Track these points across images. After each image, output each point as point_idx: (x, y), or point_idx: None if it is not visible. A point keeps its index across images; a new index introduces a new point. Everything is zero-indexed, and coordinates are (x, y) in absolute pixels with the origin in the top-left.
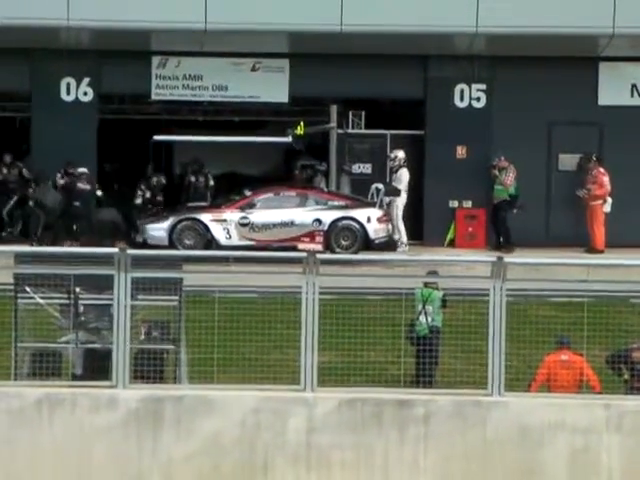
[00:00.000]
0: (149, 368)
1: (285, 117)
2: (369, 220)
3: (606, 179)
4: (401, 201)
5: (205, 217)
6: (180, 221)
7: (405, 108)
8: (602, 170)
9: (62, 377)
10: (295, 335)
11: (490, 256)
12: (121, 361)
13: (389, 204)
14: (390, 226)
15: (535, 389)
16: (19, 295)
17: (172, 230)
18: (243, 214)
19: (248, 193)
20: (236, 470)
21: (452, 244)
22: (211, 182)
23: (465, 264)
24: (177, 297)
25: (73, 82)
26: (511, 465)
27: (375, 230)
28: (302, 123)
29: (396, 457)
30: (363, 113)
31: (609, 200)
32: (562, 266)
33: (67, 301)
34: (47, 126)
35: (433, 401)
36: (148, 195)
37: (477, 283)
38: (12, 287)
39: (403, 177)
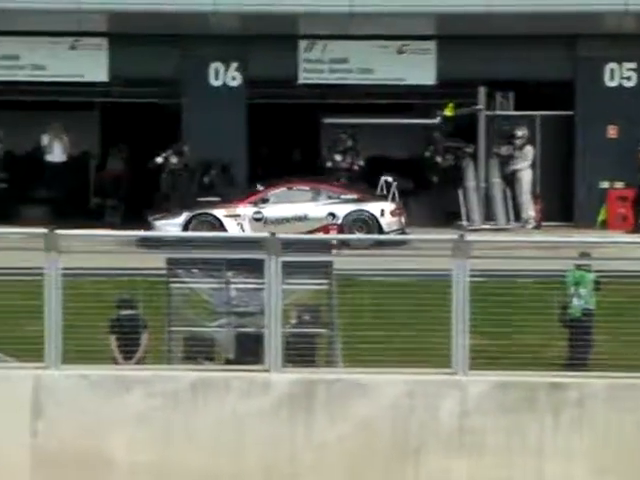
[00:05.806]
0: (301, 352)
1: (432, 99)
2: (382, 213)
3: None
4: (527, 177)
5: (218, 212)
6: (194, 216)
7: (553, 89)
8: None
9: (215, 361)
10: (446, 318)
11: None
12: (274, 345)
13: (514, 179)
14: (403, 219)
15: None
16: (171, 279)
17: (186, 226)
18: (256, 209)
19: (261, 188)
20: (388, 453)
21: (604, 225)
22: (360, 162)
23: (617, 245)
24: (327, 281)
25: (221, 67)
26: None
27: (388, 223)
28: (451, 104)
29: (550, 441)
30: (511, 95)
31: None
32: None
33: (218, 285)
34: (196, 112)
35: (588, 384)
36: None
37: (631, 265)
38: (165, 272)
39: (528, 154)
